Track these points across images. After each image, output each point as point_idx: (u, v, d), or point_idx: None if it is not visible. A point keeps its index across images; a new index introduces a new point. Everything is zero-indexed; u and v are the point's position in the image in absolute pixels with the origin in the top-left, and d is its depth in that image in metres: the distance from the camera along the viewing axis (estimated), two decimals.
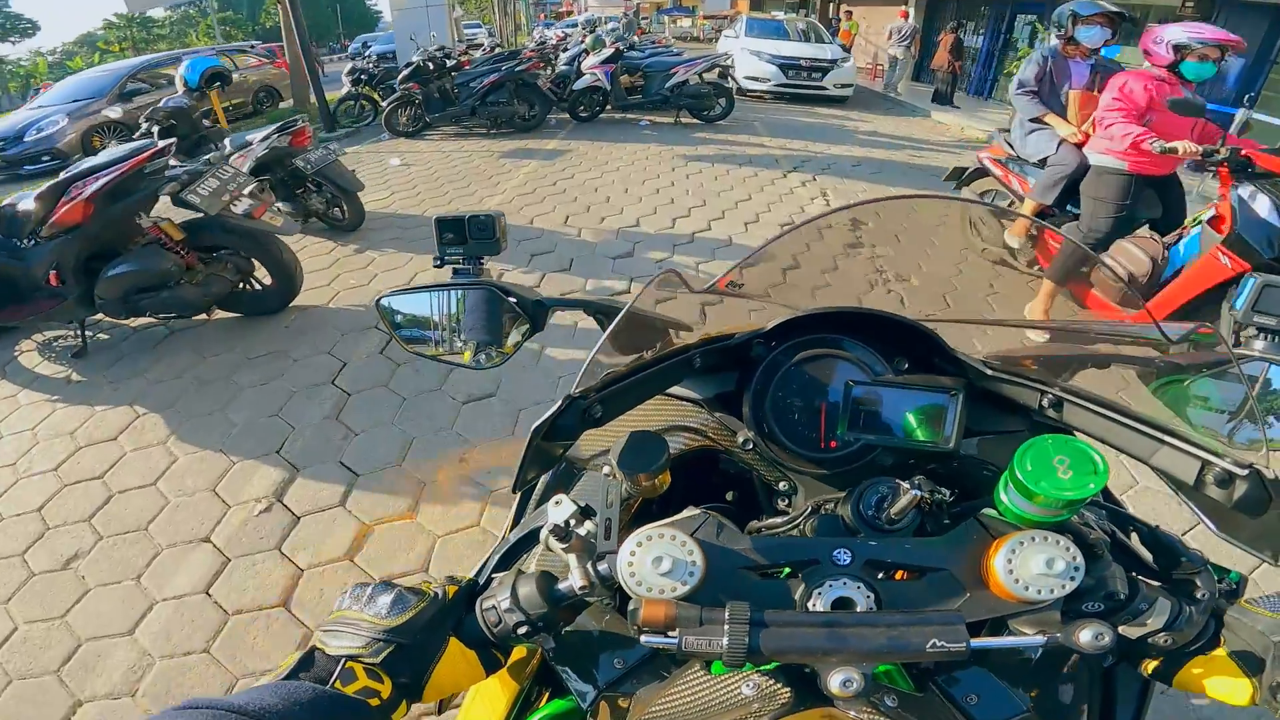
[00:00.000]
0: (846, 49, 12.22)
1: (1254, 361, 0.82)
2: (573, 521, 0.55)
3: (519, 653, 0.70)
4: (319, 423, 2.81)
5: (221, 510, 2.35)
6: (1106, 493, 0.73)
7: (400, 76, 8.06)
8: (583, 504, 0.56)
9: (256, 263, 3.58)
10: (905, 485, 0.56)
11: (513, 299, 0.90)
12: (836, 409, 0.74)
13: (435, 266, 0.99)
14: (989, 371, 0.72)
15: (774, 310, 0.84)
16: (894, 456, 0.74)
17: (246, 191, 3.37)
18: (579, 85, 8.78)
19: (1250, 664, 0.50)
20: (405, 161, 7.17)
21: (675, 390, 0.81)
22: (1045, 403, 0.68)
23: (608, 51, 8.78)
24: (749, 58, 10.98)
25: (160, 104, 4.78)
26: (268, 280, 3.67)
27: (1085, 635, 0.45)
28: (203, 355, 3.40)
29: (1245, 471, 0.52)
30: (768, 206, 5.59)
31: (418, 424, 2.78)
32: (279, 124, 4.34)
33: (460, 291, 0.94)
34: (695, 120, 9.03)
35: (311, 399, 2.98)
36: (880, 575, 0.53)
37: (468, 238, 0.97)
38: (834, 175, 6.58)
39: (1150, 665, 0.55)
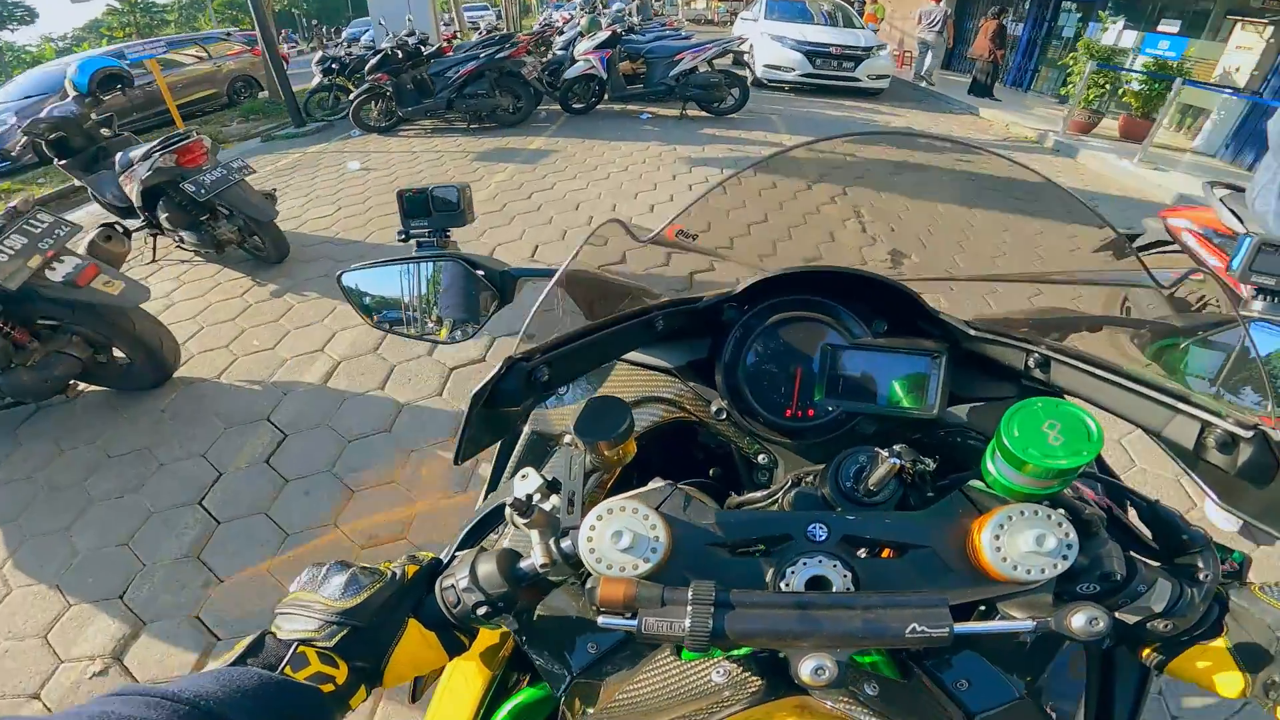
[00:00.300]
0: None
1: (1254, 322, 0.82)
2: (537, 496, 0.52)
3: (489, 637, 0.68)
4: (174, 561, 2.13)
5: (52, 664, 1.87)
6: (1101, 463, 0.72)
7: (368, 66, 7.10)
8: (549, 478, 0.54)
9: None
10: (884, 454, 0.52)
11: (480, 271, 0.90)
12: (813, 375, 0.72)
13: (400, 241, 1.01)
14: (972, 332, 0.69)
15: (739, 269, 0.82)
16: (876, 425, 0.72)
17: (83, 246, 2.48)
18: (570, 74, 7.78)
19: (1247, 656, 0.48)
20: (365, 165, 6.24)
21: (646, 359, 0.79)
22: (1032, 363, 0.65)
23: (603, 35, 7.76)
24: (770, 44, 9.66)
25: (44, 113, 3.88)
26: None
27: (1078, 620, 0.41)
28: (61, 447, 2.66)
29: (1250, 434, 0.48)
30: (788, 232, 4.56)
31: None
32: (163, 139, 3.44)
33: (427, 265, 0.92)
34: (704, 113, 8.00)
35: (170, 526, 2.27)
36: (861, 552, 0.50)
37: (432, 210, 0.99)
38: (869, 187, 5.44)
39: (1146, 652, 0.52)
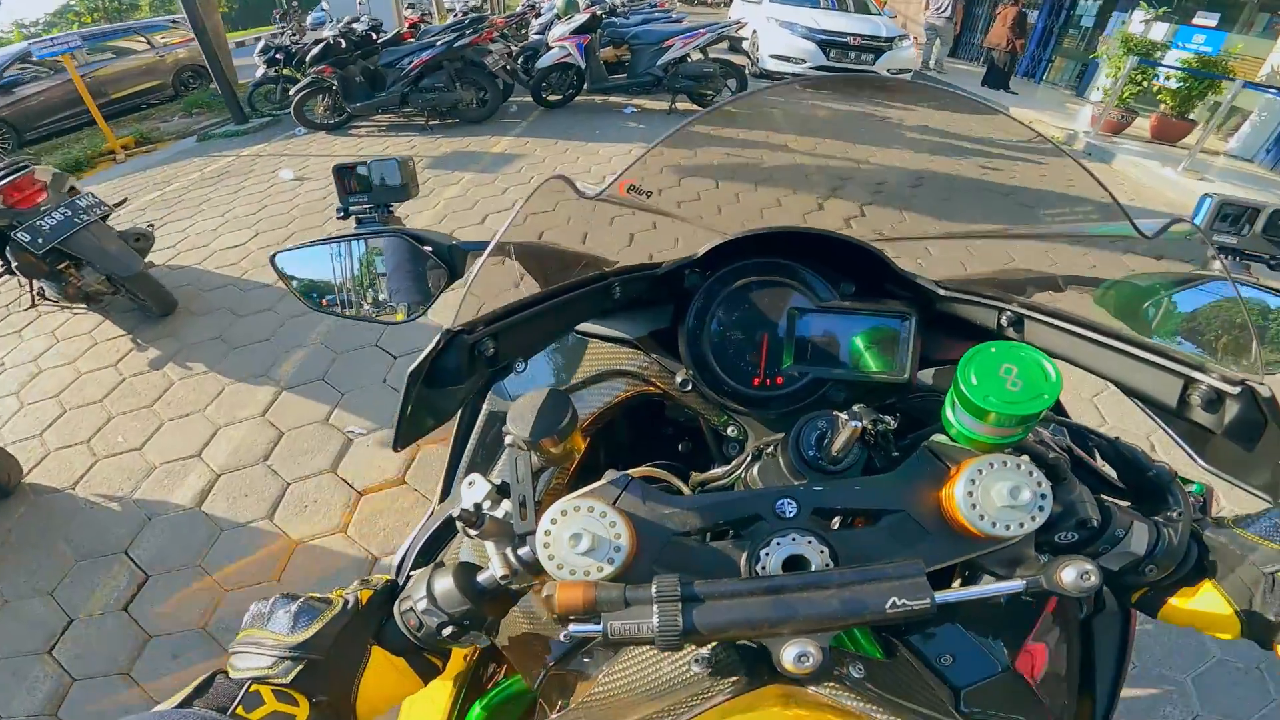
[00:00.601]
0: None
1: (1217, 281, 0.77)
2: (487, 503, 0.49)
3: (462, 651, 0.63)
4: None
5: None
6: (1058, 406, 0.69)
7: (309, 57, 6.19)
8: (498, 482, 0.50)
9: None
10: (843, 417, 0.49)
11: (427, 246, 0.85)
12: (780, 341, 0.71)
13: (339, 218, 0.97)
14: (943, 292, 0.68)
15: (699, 230, 0.80)
16: (846, 391, 0.71)
17: None
18: (543, 63, 6.89)
19: (1237, 595, 0.46)
20: (300, 174, 5.36)
21: (604, 331, 0.76)
22: (1005, 321, 0.64)
23: (581, 18, 6.87)
24: (777, 31, 8.48)
25: None
26: None
27: (1069, 575, 0.40)
28: None
29: (1237, 390, 0.47)
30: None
31: None
32: None
33: (369, 242, 0.88)
34: (696, 107, 7.15)
35: (20, 678, 1.82)
36: (835, 523, 0.49)
37: (372, 184, 0.96)
38: (888, 205, 4.63)
39: (1135, 597, 0.52)
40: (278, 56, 7.30)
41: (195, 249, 4.18)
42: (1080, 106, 8.84)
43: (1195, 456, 0.52)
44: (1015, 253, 0.89)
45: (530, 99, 7.24)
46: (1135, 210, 0.66)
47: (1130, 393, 0.54)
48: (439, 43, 6.32)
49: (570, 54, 6.81)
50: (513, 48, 8.01)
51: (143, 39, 9.97)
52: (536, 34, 8.01)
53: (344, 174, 0.95)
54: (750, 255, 0.72)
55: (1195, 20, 7.94)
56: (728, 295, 0.72)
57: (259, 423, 2.63)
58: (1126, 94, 7.07)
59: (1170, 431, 0.54)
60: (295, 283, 0.89)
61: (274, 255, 0.88)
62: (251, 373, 2.93)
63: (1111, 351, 0.54)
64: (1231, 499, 0.54)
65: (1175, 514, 0.49)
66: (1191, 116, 7.06)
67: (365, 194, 0.95)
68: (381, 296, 0.88)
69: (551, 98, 7.20)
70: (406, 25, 7.88)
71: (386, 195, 0.94)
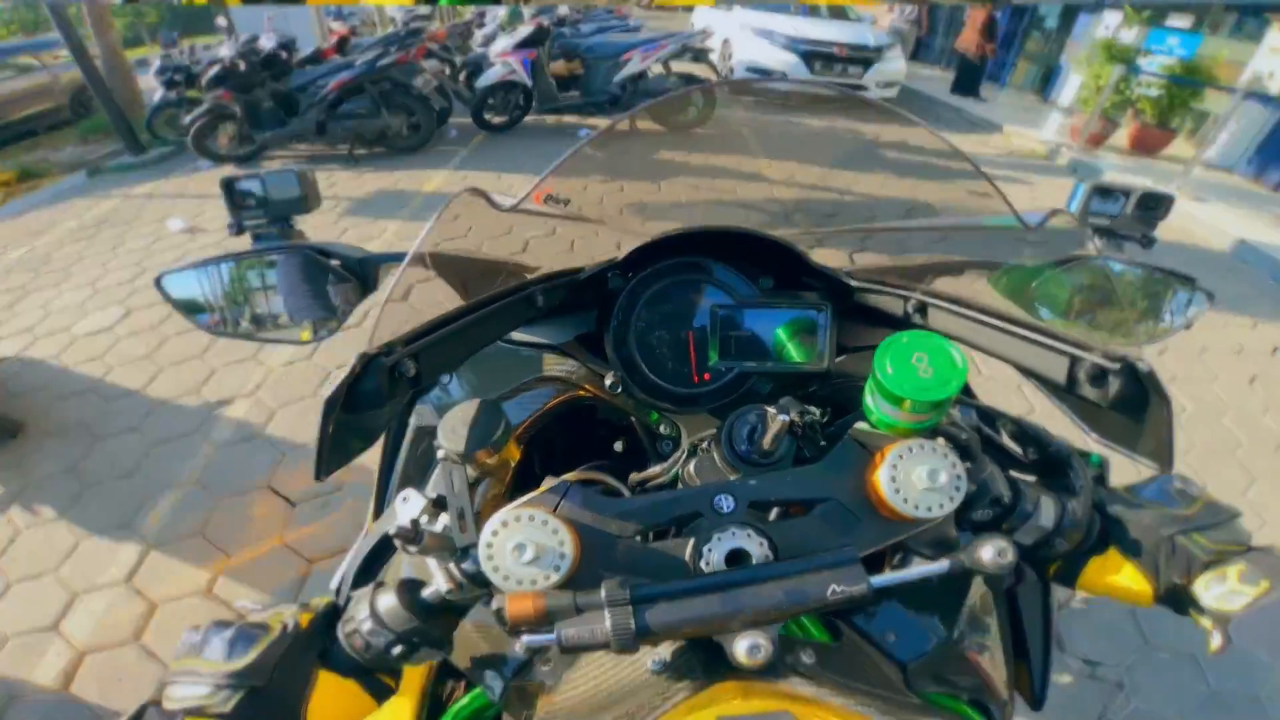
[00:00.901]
0: None
1: (1106, 259, 0.86)
2: (424, 518, 0.48)
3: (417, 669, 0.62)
4: None
5: None
6: (966, 389, 0.71)
7: (205, 81, 5.31)
8: (434, 495, 0.49)
9: None
10: (772, 411, 0.51)
11: (334, 260, 0.82)
12: (705, 338, 0.72)
13: (231, 235, 0.91)
14: (853, 283, 0.71)
15: (617, 234, 0.82)
16: (771, 383, 0.73)
17: None
18: (483, 81, 6.16)
19: (1146, 562, 0.49)
20: (194, 223, 4.53)
21: (530, 339, 0.76)
22: (910, 309, 0.68)
23: (526, 30, 6.17)
24: (753, 40, 7.56)
25: None
26: None
27: (987, 554, 0.43)
28: None
29: (1117, 365, 0.51)
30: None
31: None
32: None
33: (268, 259, 0.84)
34: (659, 128, 6.50)
35: None
36: (773, 514, 0.50)
37: (268, 198, 0.91)
38: (883, 250, 4.15)
39: (1051, 570, 0.54)
40: (176, 78, 6.36)
41: (55, 334, 3.38)
42: (1047, 110, 8.53)
43: (1087, 430, 0.55)
44: (920, 244, 0.98)
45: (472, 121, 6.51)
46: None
47: (1025, 372, 0.58)
48: (359, 62, 5.52)
49: (515, 71, 6.10)
50: (456, 60, 7.23)
51: (33, 57, 8.82)
52: (480, 46, 7.25)
53: (232, 188, 0.90)
54: (671, 255, 0.75)
55: (1169, 22, 7.68)
56: (651, 296, 0.75)
57: (124, 591, 2.02)
58: (1110, 105, 6.71)
59: (1064, 407, 0.57)
60: (184, 306, 0.83)
61: (159, 277, 0.81)
62: (111, 522, 2.26)
63: (1004, 334, 0.59)
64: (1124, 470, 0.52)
65: (1077, 486, 0.50)
66: (1173, 125, 6.75)
67: (261, 208, 0.89)
68: (282, 317, 0.83)
69: (495, 120, 6.47)
70: (332, 40, 7.00)
71: (284, 209, 0.90)
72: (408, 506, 0.47)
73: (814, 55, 7.28)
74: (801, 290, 0.74)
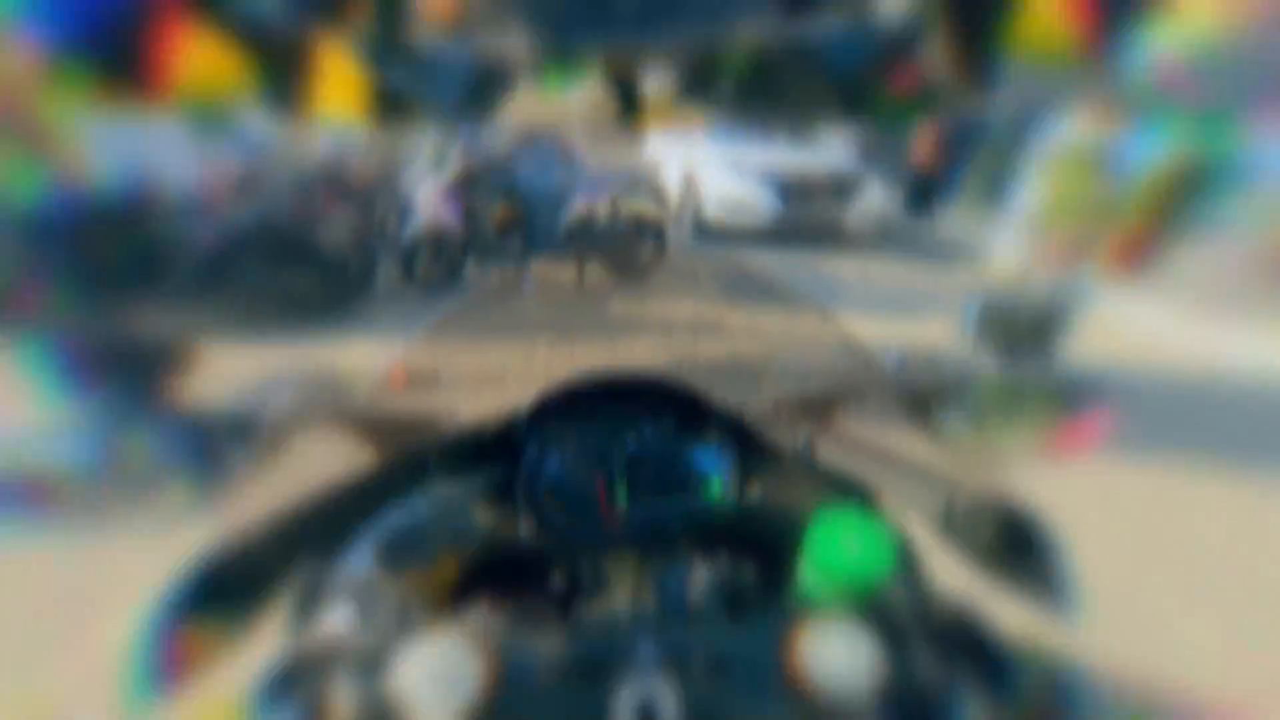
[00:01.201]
0: None
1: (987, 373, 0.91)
2: (333, 643, 0.48)
3: None
4: None
5: None
6: (916, 566, 0.71)
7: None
8: (345, 620, 0.50)
9: None
10: (700, 567, 0.55)
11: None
12: (614, 482, 0.74)
13: None
14: (744, 420, 0.75)
15: (506, 389, 0.84)
16: (684, 521, 0.74)
17: None
18: (408, 234, 5.30)
19: None
20: None
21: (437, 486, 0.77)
22: (800, 443, 0.74)
23: (453, 170, 5.42)
24: (723, 175, 6.57)
25: None
26: None
27: None
28: None
29: (991, 503, 0.56)
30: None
31: None
32: None
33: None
34: (610, 273, 5.72)
35: None
36: (693, 667, 0.50)
37: None
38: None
39: None
40: None
41: None
42: (1003, 219, 8.25)
43: (968, 564, 0.59)
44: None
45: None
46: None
47: (907, 499, 0.61)
48: (245, 210, 4.55)
49: (444, 220, 5.30)
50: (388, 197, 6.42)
51: None
52: (407, 187, 6.50)
53: None
54: (575, 403, 0.77)
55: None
56: (559, 444, 0.76)
57: None
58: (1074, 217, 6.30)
59: (948, 545, 0.60)
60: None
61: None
62: None
63: (881, 469, 0.62)
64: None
65: (1009, 700, 0.49)
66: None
67: None
68: None
69: (427, 278, 5.54)
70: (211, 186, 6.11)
71: None
72: (315, 629, 0.49)
73: (791, 188, 6.45)
74: (702, 424, 0.76)
